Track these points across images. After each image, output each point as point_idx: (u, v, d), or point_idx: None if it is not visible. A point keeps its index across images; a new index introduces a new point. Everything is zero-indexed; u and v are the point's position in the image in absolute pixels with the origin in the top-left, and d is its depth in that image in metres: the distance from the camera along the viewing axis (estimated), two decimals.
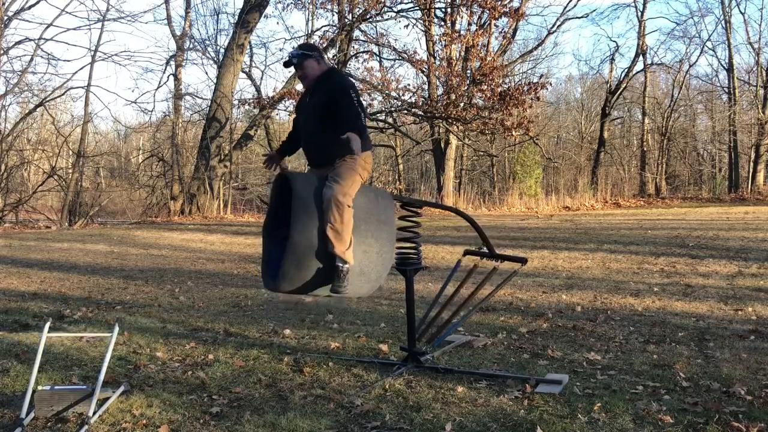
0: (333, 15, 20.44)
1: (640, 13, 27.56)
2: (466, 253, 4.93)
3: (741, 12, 42.01)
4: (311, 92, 4.07)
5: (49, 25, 29.01)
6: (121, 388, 3.76)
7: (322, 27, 40.46)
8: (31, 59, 20.96)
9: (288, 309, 6.36)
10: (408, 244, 4.31)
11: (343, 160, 3.86)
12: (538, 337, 5.03)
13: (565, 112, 35.09)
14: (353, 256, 3.83)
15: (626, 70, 28.47)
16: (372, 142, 4.09)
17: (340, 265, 3.78)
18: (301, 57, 4.03)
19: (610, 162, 29.95)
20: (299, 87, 19.58)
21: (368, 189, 4.09)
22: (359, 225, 3.87)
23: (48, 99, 22.00)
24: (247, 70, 22.37)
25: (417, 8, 20.65)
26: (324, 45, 19.78)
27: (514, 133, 19.31)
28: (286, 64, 4.14)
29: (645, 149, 28.87)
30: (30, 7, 22.45)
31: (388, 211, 4.07)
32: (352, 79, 20.39)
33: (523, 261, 4.73)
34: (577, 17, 38.27)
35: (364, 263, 3.92)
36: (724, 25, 26.87)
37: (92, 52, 21.54)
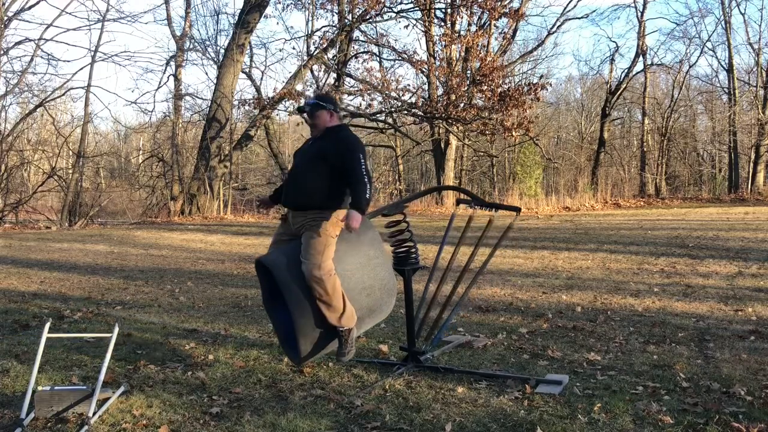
0: (333, 15, 20.49)
1: (640, 14, 27.56)
2: (459, 201, 4.92)
3: (741, 12, 41.94)
4: (316, 141, 4.03)
5: (49, 26, 29.28)
6: (121, 389, 3.76)
7: (322, 27, 40.53)
8: (31, 59, 20.98)
9: None
10: (405, 246, 4.31)
11: (313, 221, 3.83)
12: (538, 337, 5.03)
13: (565, 113, 35.09)
14: (360, 302, 3.91)
15: (626, 71, 28.48)
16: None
17: (340, 330, 3.87)
18: (315, 107, 3.99)
19: (610, 162, 29.93)
20: (299, 87, 19.59)
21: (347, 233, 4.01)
22: (354, 276, 3.90)
23: (48, 99, 21.98)
24: (247, 70, 22.35)
25: (417, 9, 20.67)
26: (324, 45, 19.79)
27: (514, 133, 19.34)
28: (299, 110, 4.12)
29: (645, 150, 28.86)
30: (30, 8, 22.51)
31: (374, 240, 4.06)
32: (351, 79, 20.42)
33: (517, 210, 4.76)
34: (577, 18, 38.25)
35: (372, 303, 4.01)
36: (724, 26, 26.89)
37: (92, 53, 21.54)
